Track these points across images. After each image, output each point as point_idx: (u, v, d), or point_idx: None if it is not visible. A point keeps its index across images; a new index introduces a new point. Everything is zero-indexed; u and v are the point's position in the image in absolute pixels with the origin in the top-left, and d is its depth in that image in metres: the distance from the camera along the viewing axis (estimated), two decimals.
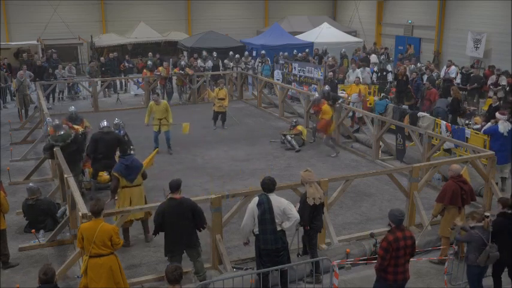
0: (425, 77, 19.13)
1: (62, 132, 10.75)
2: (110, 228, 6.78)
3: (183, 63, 21.74)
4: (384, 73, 21.41)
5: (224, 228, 8.52)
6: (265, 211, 7.06)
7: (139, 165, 9.15)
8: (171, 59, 23.88)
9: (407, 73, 18.82)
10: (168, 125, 14.47)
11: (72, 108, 13.22)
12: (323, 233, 8.73)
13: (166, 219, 7.26)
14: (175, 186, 7.41)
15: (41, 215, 9.73)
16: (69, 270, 8.01)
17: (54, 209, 9.93)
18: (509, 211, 7.26)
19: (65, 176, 9.08)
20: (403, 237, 6.44)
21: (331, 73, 19.09)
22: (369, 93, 19.44)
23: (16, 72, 20.02)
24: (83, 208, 7.55)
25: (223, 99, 16.69)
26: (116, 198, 9.04)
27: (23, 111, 18.44)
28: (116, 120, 12.60)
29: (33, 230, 9.25)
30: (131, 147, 13.40)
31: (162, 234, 7.50)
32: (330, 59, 23.41)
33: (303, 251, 8.28)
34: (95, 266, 6.66)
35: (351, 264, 8.07)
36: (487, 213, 7.35)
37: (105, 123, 11.25)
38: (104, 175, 11.76)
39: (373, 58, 23.95)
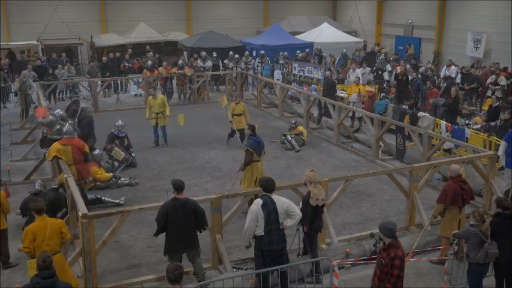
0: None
1: (58, 127, 10.93)
2: (58, 222, 7.02)
3: (180, 62, 21.74)
4: (380, 72, 21.41)
5: (224, 228, 8.52)
6: (271, 212, 7.05)
7: (263, 142, 10.46)
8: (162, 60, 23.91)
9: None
10: (164, 119, 14.82)
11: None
12: (323, 233, 8.73)
13: (170, 219, 7.24)
14: (180, 187, 7.35)
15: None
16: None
17: (60, 202, 9.70)
18: (506, 211, 7.26)
19: (65, 176, 9.08)
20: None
21: (328, 72, 19.05)
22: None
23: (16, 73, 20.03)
24: (82, 208, 7.55)
25: (240, 114, 14.64)
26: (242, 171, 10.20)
27: (24, 111, 18.42)
28: (120, 122, 13.59)
29: None
30: (131, 149, 13.53)
31: (162, 234, 7.50)
32: (331, 58, 23.39)
33: (303, 251, 8.28)
34: None
35: (351, 264, 8.08)
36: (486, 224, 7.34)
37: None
38: (104, 173, 11.84)
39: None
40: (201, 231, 7.62)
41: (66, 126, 10.47)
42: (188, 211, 7.31)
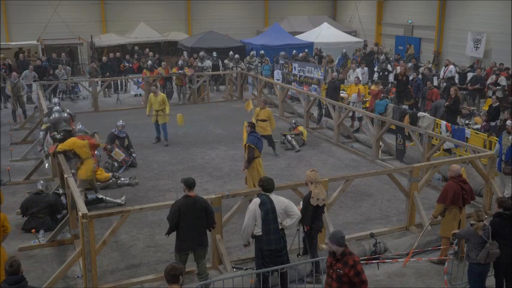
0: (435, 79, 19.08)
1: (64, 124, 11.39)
2: (1, 215, 7.13)
3: (180, 62, 21.73)
4: (386, 73, 21.41)
5: (224, 228, 8.52)
6: (269, 211, 7.05)
7: (262, 139, 10.83)
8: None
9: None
10: (164, 117, 14.90)
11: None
12: (323, 233, 8.73)
13: (182, 217, 7.23)
14: (192, 184, 7.37)
15: (43, 209, 9.71)
16: (69, 270, 8.01)
17: (58, 206, 9.91)
18: (506, 212, 7.25)
19: (65, 176, 9.08)
20: None
21: (335, 73, 19.05)
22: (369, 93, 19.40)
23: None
24: (82, 208, 7.55)
25: (265, 120, 13.84)
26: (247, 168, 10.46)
27: (21, 111, 18.36)
28: (121, 122, 13.61)
29: (33, 230, 9.25)
30: (131, 150, 13.53)
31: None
32: (328, 57, 23.46)
33: (303, 251, 8.28)
34: None
35: None
36: (485, 222, 7.33)
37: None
38: (103, 173, 11.86)
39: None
40: (210, 230, 7.62)
41: (79, 126, 11.22)
42: (199, 208, 7.32)
